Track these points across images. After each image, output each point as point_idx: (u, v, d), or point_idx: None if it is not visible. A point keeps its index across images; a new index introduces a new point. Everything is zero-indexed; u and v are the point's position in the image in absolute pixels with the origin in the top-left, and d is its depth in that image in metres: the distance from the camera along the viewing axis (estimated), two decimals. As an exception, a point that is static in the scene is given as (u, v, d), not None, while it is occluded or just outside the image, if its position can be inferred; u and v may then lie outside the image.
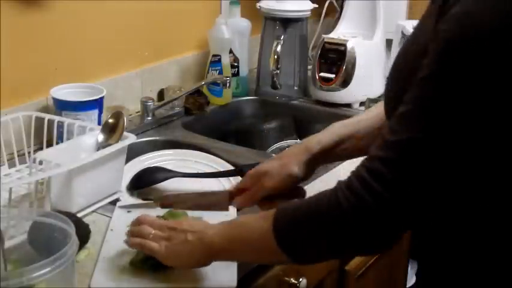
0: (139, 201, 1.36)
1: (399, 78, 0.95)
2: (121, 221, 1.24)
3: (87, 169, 1.22)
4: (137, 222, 1.09)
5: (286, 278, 1.28)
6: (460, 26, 0.82)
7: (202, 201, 1.24)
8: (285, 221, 0.95)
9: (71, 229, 0.94)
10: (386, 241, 0.91)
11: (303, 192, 1.21)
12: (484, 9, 0.81)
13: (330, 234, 0.91)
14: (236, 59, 1.95)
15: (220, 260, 1.04)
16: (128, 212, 1.28)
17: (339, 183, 0.92)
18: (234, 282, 1.06)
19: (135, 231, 1.08)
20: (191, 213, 1.24)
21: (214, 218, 1.15)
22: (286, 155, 1.19)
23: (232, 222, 1.06)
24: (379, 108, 1.20)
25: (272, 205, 1.14)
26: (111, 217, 1.26)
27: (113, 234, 1.19)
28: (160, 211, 1.26)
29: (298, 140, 1.90)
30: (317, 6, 2.01)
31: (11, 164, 1.41)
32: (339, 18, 2.14)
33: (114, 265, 1.08)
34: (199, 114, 1.82)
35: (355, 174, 0.90)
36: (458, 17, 0.82)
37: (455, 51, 0.82)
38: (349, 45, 1.88)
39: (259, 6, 1.96)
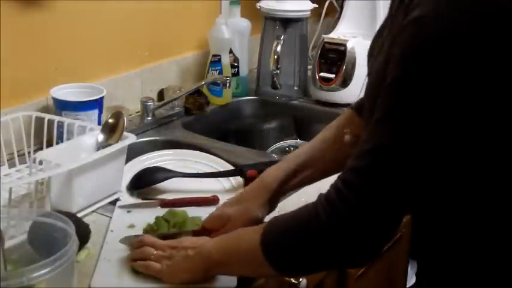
0: (140, 201, 1.36)
1: (372, 91, 0.96)
2: (121, 221, 1.24)
3: (87, 169, 1.22)
4: (139, 244, 1.09)
5: (286, 278, 1.27)
6: (418, 30, 0.82)
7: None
8: (271, 233, 0.96)
9: (71, 229, 0.94)
10: (366, 252, 0.91)
11: None
12: (441, 13, 0.82)
13: (310, 247, 0.92)
14: (236, 59, 1.95)
15: (217, 273, 1.04)
16: (128, 212, 1.28)
17: (319, 195, 0.93)
18: (234, 283, 1.05)
19: (137, 253, 1.07)
20: (191, 213, 1.25)
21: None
22: (246, 199, 1.18)
23: (230, 233, 1.06)
24: (329, 131, 1.21)
25: None
26: (111, 217, 1.26)
27: (113, 234, 1.19)
28: (161, 211, 1.26)
29: (298, 140, 1.90)
30: (317, 6, 2.01)
31: (11, 164, 1.41)
32: (339, 18, 2.14)
33: (114, 265, 1.08)
34: (199, 114, 1.82)
35: (333, 185, 0.91)
36: (416, 21, 0.83)
37: (414, 56, 0.83)
38: (349, 45, 1.88)
39: (259, 6, 1.96)
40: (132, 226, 1.22)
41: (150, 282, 1.04)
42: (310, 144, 1.22)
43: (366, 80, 1.05)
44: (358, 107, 1.20)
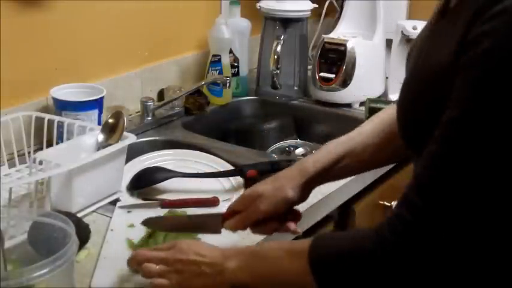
0: (140, 201, 1.36)
1: (413, 100, 0.92)
2: (121, 221, 1.24)
3: (87, 169, 1.22)
4: (135, 262, 1.02)
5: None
6: (496, 63, 0.77)
7: (195, 224, 1.18)
8: (325, 260, 0.91)
9: (71, 229, 0.94)
10: (418, 282, 0.86)
11: (299, 216, 1.17)
12: None
13: (374, 274, 0.87)
14: (236, 59, 1.95)
15: None
16: (128, 212, 1.28)
17: (381, 223, 0.89)
18: None
19: (139, 272, 1.02)
20: (191, 213, 1.25)
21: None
22: (282, 177, 1.14)
23: (255, 254, 1.00)
24: (373, 123, 1.18)
25: (265, 228, 1.13)
26: (111, 217, 1.26)
27: (113, 234, 1.19)
28: (161, 211, 1.26)
29: (298, 140, 1.90)
30: (317, 6, 2.01)
31: (11, 164, 1.41)
32: (339, 18, 2.14)
33: (115, 265, 1.08)
34: (199, 114, 1.82)
35: (395, 212, 0.86)
36: (493, 53, 0.78)
37: (491, 91, 0.78)
38: (349, 45, 1.88)
39: (259, 6, 1.96)
40: (132, 226, 1.22)
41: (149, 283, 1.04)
42: (353, 135, 1.17)
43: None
44: None
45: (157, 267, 0.99)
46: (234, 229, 1.13)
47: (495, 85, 0.78)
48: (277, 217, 1.13)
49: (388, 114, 1.17)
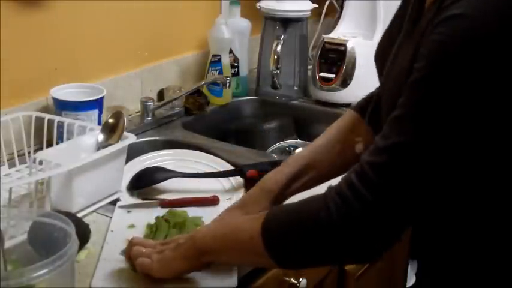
0: (139, 201, 1.36)
1: (394, 93, 0.94)
2: (121, 221, 1.24)
3: (87, 169, 1.22)
4: (130, 244, 1.07)
5: (286, 278, 1.28)
6: (455, 28, 0.81)
7: None
8: (274, 224, 0.94)
9: (71, 229, 0.94)
10: (375, 248, 0.90)
11: None
12: (481, 12, 0.80)
13: (317, 241, 0.90)
14: (236, 59, 1.95)
15: (209, 260, 1.02)
16: (128, 212, 1.28)
17: (329, 188, 0.91)
18: (235, 283, 1.05)
19: (128, 254, 1.06)
20: (191, 213, 1.25)
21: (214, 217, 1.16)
22: (248, 203, 1.16)
23: (223, 221, 1.06)
24: (328, 135, 1.20)
25: None
26: (111, 217, 1.26)
27: (113, 234, 1.19)
28: (161, 211, 1.26)
29: (298, 140, 1.90)
30: (317, 6, 2.01)
31: (11, 164, 1.41)
32: (339, 18, 2.14)
33: (115, 265, 1.08)
34: (199, 114, 1.82)
35: (345, 179, 0.89)
36: (453, 19, 0.82)
37: (449, 53, 0.81)
38: (349, 45, 1.88)
39: (259, 6, 1.96)
40: (132, 226, 1.22)
41: (151, 283, 1.04)
42: (311, 147, 1.21)
43: (379, 84, 1.04)
44: (361, 109, 1.19)
45: (145, 249, 1.04)
46: None
47: (451, 47, 0.81)
48: None
49: (345, 121, 1.20)
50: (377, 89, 1.18)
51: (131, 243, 1.07)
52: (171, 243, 1.04)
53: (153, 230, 1.19)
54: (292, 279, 1.28)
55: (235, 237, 0.99)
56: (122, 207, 1.29)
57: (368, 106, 1.17)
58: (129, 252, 1.06)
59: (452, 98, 0.81)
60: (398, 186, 0.85)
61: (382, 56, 1.09)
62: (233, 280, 1.06)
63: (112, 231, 1.20)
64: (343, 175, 0.91)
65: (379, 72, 1.11)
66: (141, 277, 1.05)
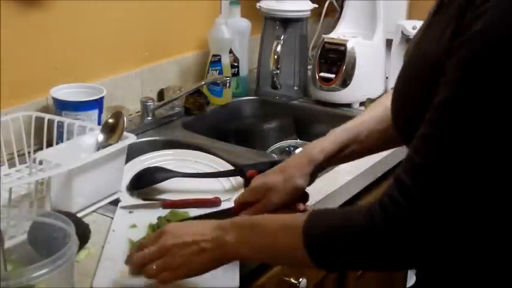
0: (140, 201, 1.36)
1: (408, 90, 0.94)
2: (123, 221, 1.24)
3: (87, 169, 1.22)
4: (134, 268, 1.03)
5: (286, 278, 1.28)
6: (486, 43, 0.79)
7: None
8: (316, 232, 0.93)
9: (71, 229, 0.94)
10: (413, 255, 0.89)
11: (307, 197, 1.22)
12: (507, 25, 0.78)
13: (360, 248, 0.90)
14: (236, 59, 1.95)
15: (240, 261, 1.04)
16: (130, 212, 1.28)
17: (372, 203, 0.91)
18: (237, 283, 1.05)
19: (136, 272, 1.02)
20: (193, 213, 1.25)
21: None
22: (290, 167, 1.18)
23: (253, 227, 1.00)
24: (376, 110, 1.21)
25: None
26: (111, 217, 1.26)
27: (114, 234, 1.19)
28: (162, 212, 1.26)
29: (298, 140, 1.90)
30: (317, 6, 2.01)
31: (11, 164, 1.41)
32: (339, 18, 2.14)
33: (116, 265, 1.08)
34: (199, 114, 1.82)
35: (387, 193, 0.89)
36: (483, 34, 0.79)
37: (481, 71, 0.79)
38: (349, 45, 1.88)
39: (259, 6, 1.96)
40: (134, 226, 1.22)
41: (151, 282, 1.04)
42: (357, 121, 1.21)
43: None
44: None
45: (155, 266, 0.99)
46: None
47: (485, 64, 0.79)
48: (288, 204, 1.18)
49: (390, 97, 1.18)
50: None
51: (136, 266, 1.02)
52: (188, 246, 0.99)
53: (155, 230, 1.19)
54: (292, 279, 1.28)
55: (274, 247, 0.98)
56: (123, 207, 1.29)
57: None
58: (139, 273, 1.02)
59: (485, 119, 0.80)
60: (434, 207, 0.84)
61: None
62: (235, 281, 1.06)
63: (114, 230, 1.20)
64: (386, 189, 0.90)
65: None
66: (143, 278, 1.04)
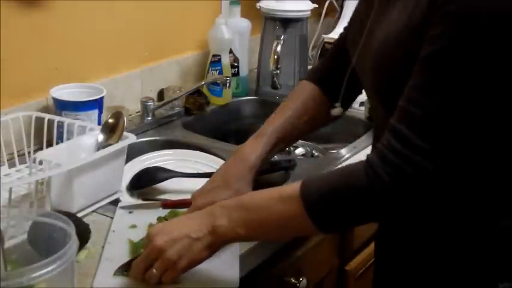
0: (140, 201, 1.36)
1: (388, 61, 0.97)
2: (123, 221, 1.24)
3: (87, 169, 1.22)
4: (137, 279, 1.03)
5: (286, 278, 1.28)
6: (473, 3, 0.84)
7: None
8: (317, 198, 0.94)
9: (71, 229, 0.94)
10: (407, 212, 0.92)
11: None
12: None
13: (369, 205, 0.91)
14: (236, 59, 1.95)
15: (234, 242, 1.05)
16: (130, 212, 1.28)
17: (369, 157, 0.92)
18: (237, 283, 1.05)
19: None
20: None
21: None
22: (233, 179, 1.21)
23: (245, 206, 1.01)
24: (295, 103, 1.29)
25: None
26: (111, 217, 1.26)
27: (114, 234, 1.19)
28: (162, 212, 1.26)
29: (298, 140, 1.90)
30: (317, 6, 2.01)
31: (11, 164, 1.41)
32: (339, 18, 2.14)
33: (116, 265, 1.08)
34: (199, 114, 1.82)
35: (386, 146, 0.90)
36: None
37: (466, 22, 0.84)
38: (349, 45, 1.88)
39: (259, 6, 1.96)
40: (134, 226, 1.22)
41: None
42: (280, 118, 1.28)
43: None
44: (320, 80, 1.28)
45: (154, 270, 1.00)
46: None
47: (471, 16, 0.84)
48: None
49: (307, 93, 1.29)
50: (332, 63, 1.29)
51: (137, 278, 1.03)
52: (179, 240, 0.99)
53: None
54: (292, 279, 1.28)
55: (272, 219, 0.98)
56: (123, 207, 1.29)
57: (329, 80, 1.26)
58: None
59: (475, 72, 0.84)
60: (444, 152, 0.86)
61: (356, 40, 1.11)
62: (235, 280, 1.06)
63: (114, 231, 1.20)
64: (381, 141, 0.92)
65: (352, 54, 1.13)
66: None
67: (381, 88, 1.00)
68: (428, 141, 0.86)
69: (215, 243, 1.00)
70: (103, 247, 1.15)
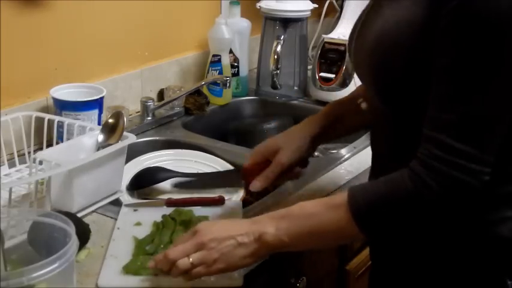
0: (141, 201, 1.36)
1: (386, 58, 0.97)
2: (128, 219, 1.24)
3: (87, 169, 1.22)
4: (164, 264, 1.00)
5: (286, 278, 1.28)
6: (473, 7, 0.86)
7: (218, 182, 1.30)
8: (365, 206, 0.94)
9: (71, 229, 0.94)
10: (453, 218, 0.93)
11: (306, 163, 1.29)
12: None
13: (417, 212, 0.92)
14: (236, 59, 1.95)
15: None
16: (135, 210, 1.28)
17: (412, 166, 0.92)
18: (240, 281, 1.06)
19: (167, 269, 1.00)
20: (197, 211, 1.25)
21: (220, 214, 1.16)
22: (293, 130, 1.28)
23: (290, 215, 1.00)
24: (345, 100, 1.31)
25: (282, 180, 1.29)
26: (111, 217, 1.26)
27: (119, 232, 1.19)
28: (167, 210, 1.26)
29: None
30: (317, 6, 2.01)
31: (11, 164, 1.41)
32: (339, 18, 2.14)
33: (121, 263, 1.08)
34: (199, 114, 1.82)
35: (428, 155, 0.91)
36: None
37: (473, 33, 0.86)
38: (349, 45, 1.88)
39: (259, 6, 1.96)
40: (138, 224, 1.22)
41: (156, 281, 1.04)
42: (339, 102, 1.31)
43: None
44: None
45: (191, 259, 0.98)
46: (261, 188, 1.22)
47: (482, 23, 0.85)
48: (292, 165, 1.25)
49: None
50: None
51: (168, 261, 0.99)
52: (224, 240, 0.98)
53: (159, 227, 1.19)
54: (292, 279, 1.28)
55: (320, 228, 0.98)
56: (128, 205, 1.29)
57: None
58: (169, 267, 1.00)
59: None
60: (481, 151, 0.89)
61: (352, 35, 1.13)
62: (239, 279, 1.06)
63: (119, 228, 1.21)
64: (420, 151, 0.93)
65: (349, 49, 1.16)
66: (148, 274, 1.05)
67: (378, 81, 1.00)
68: (468, 144, 0.88)
69: (259, 251, 1.00)
70: (103, 247, 1.15)
